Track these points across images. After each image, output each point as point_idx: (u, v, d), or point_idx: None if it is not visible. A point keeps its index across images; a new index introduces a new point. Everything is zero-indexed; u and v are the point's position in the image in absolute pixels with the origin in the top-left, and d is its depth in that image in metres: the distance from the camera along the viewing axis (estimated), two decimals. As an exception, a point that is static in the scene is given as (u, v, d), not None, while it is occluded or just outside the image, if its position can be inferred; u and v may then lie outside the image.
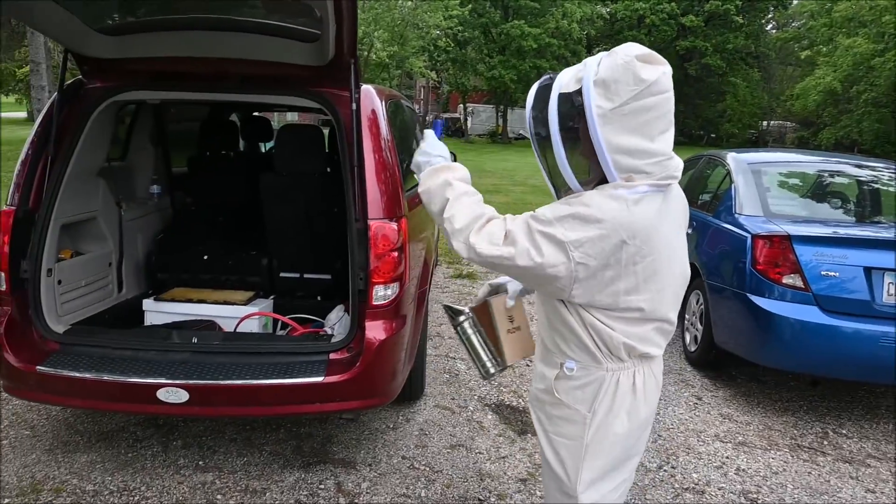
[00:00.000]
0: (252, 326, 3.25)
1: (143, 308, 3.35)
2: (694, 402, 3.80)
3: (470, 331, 1.83)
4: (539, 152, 1.52)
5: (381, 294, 2.69)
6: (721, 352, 4.00)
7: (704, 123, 41.79)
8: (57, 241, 2.94)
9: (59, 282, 2.98)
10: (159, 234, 3.86)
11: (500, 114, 37.06)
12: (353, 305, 2.72)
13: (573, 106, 1.39)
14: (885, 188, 4.58)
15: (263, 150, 5.28)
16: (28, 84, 16.81)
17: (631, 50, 1.37)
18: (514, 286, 1.81)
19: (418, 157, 1.66)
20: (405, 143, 3.86)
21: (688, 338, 4.48)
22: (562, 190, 1.51)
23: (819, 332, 3.42)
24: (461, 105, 38.27)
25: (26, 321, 2.76)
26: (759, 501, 2.85)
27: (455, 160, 1.73)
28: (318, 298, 3.64)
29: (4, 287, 2.72)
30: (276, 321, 3.37)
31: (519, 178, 17.08)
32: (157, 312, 3.32)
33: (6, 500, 2.60)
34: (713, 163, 5.07)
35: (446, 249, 7.57)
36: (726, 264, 3.97)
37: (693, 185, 5.29)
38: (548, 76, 1.49)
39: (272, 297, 3.57)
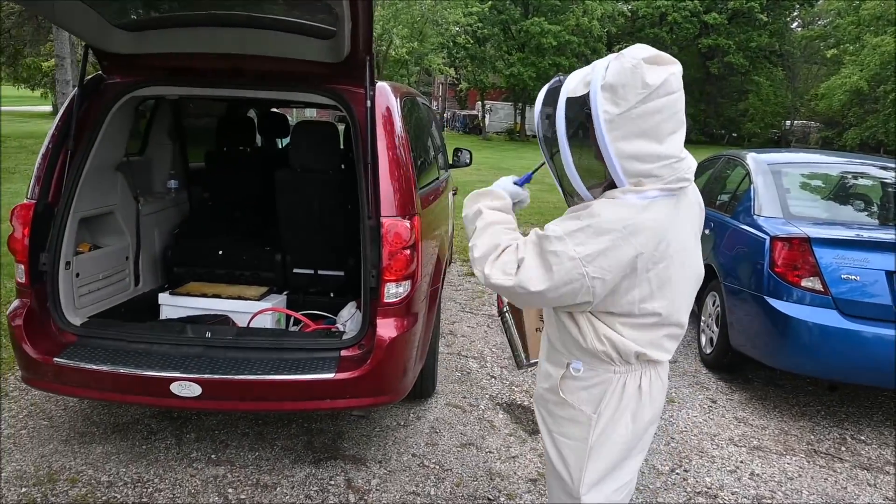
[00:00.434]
0: (265, 322, 3.27)
1: (159, 302, 3.39)
2: (708, 405, 3.76)
3: (509, 321, 1.99)
4: (548, 156, 1.50)
5: (393, 292, 2.69)
6: (737, 354, 3.95)
7: (726, 122, 41.24)
8: (75, 234, 2.98)
9: (77, 275, 3.03)
10: (176, 229, 3.90)
11: (518, 111, 36.92)
12: (364, 303, 2.73)
13: (581, 110, 1.37)
14: (910, 191, 4.48)
15: (280, 147, 5.32)
16: (53, 78, 17.09)
17: (638, 52, 1.34)
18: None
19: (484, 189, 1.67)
20: (420, 140, 3.86)
21: (703, 340, 4.43)
22: (571, 194, 1.50)
23: (838, 336, 3.36)
24: (479, 102, 38.17)
25: (45, 313, 2.81)
26: (773, 507, 2.81)
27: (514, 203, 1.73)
28: (332, 295, 3.66)
29: (24, 279, 2.77)
30: (289, 317, 3.39)
31: (536, 177, 16.96)
32: (173, 306, 3.36)
33: (23, 489, 2.64)
34: (732, 163, 5.00)
35: (461, 247, 7.57)
36: (744, 266, 3.92)
37: (712, 186, 5.23)
38: (557, 78, 1.48)
39: (286, 292, 3.59)
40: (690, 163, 1.44)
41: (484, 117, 37.40)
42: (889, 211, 4.39)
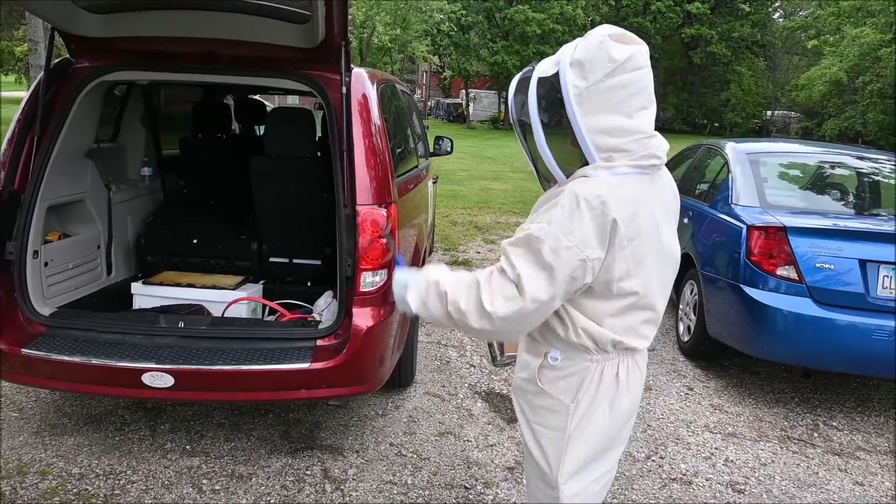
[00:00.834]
0: (241, 311, 3.23)
1: (132, 291, 3.33)
2: (685, 393, 3.79)
3: None
4: (522, 140, 1.50)
5: (370, 280, 2.66)
6: (714, 342, 3.98)
7: (708, 112, 41.52)
8: (44, 222, 2.91)
9: (46, 264, 2.96)
10: (149, 217, 3.82)
11: (502, 100, 36.84)
12: (340, 292, 2.70)
13: (552, 89, 1.38)
14: (885, 180, 4.54)
15: (258, 134, 5.24)
16: (27, 64, 16.70)
17: (605, 30, 1.38)
18: None
19: (399, 304, 1.59)
20: (399, 128, 3.82)
21: (681, 328, 4.46)
22: (547, 178, 1.49)
23: (812, 324, 3.40)
24: (463, 91, 38.04)
25: (12, 303, 2.74)
26: (747, 493, 2.85)
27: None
28: (308, 284, 3.62)
29: (-10, 268, 2.70)
30: (264, 306, 3.35)
31: (519, 165, 16.99)
32: (146, 296, 3.30)
33: (-9, 482, 2.60)
34: (712, 152, 5.02)
35: (442, 236, 7.56)
36: (721, 255, 3.94)
37: (691, 175, 5.25)
38: (529, 67, 1.48)
39: (262, 282, 3.55)
40: (661, 142, 1.45)
41: (468, 106, 37.28)
42: (864, 200, 4.45)
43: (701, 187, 4.90)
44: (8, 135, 2.81)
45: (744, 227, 3.71)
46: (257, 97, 5.94)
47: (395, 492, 2.70)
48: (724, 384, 3.96)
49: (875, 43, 26.04)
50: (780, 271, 3.50)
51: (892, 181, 4.49)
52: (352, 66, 2.90)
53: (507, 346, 1.94)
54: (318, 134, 3.86)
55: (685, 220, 4.62)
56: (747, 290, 3.58)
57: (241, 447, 2.94)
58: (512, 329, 1.42)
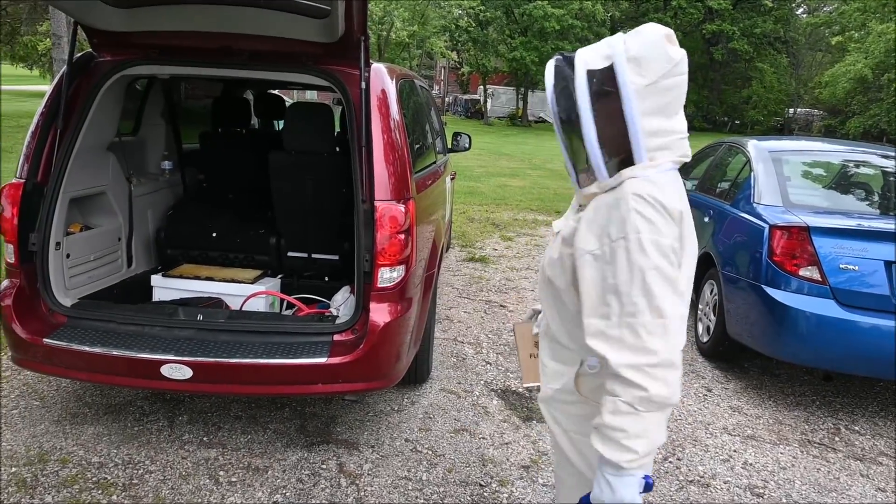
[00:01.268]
0: (258, 305, 3.25)
1: (152, 284, 3.37)
2: (703, 394, 3.75)
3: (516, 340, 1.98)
4: (561, 134, 1.42)
5: (387, 276, 2.66)
6: (734, 343, 3.93)
7: (728, 109, 40.97)
8: (66, 214, 2.95)
9: (68, 255, 3.00)
10: (169, 210, 3.86)
11: (520, 96, 36.66)
12: (358, 287, 2.70)
13: (602, 82, 1.33)
14: (912, 180, 4.44)
15: (276, 129, 5.26)
16: (50, 58, 16.94)
17: (658, 29, 1.35)
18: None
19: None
20: (417, 123, 3.81)
21: (700, 328, 4.41)
22: (583, 172, 1.41)
23: (835, 326, 3.34)
24: (481, 87, 37.90)
25: (34, 294, 2.78)
26: (766, 496, 2.81)
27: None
28: (326, 279, 3.63)
29: (13, 259, 2.74)
30: (282, 301, 3.37)
31: (537, 162, 16.93)
32: (166, 288, 3.34)
33: (13, 469, 2.64)
34: (733, 150, 4.95)
35: (459, 233, 7.54)
36: (742, 254, 3.89)
37: (712, 173, 5.18)
38: (560, 55, 1.43)
39: (280, 276, 3.56)
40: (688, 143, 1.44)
41: (486, 102, 37.15)
42: (889, 200, 4.35)
43: (722, 186, 4.83)
44: (31, 128, 2.85)
45: (766, 226, 3.65)
46: (276, 92, 5.97)
47: (410, 487, 2.70)
48: (744, 386, 3.91)
49: (902, 39, 25.49)
50: (803, 272, 3.44)
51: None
52: (371, 61, 2.89)
53: (525, 374, 1.90)
54: (337, 129, 3.85)
55: (706, 219, 4.56)
56: (769, 290, 3.53)
57: (257, 440, 2.96)
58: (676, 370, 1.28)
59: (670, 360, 1.23)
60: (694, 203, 5.04)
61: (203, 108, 4.66)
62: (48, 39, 18.69)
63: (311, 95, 15.46)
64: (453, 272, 5.96)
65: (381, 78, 2.94)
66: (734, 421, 3.46)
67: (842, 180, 4.52)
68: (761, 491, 2.84)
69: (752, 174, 4.21)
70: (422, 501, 2.62)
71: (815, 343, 3.42)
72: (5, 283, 2.78)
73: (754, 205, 3.94)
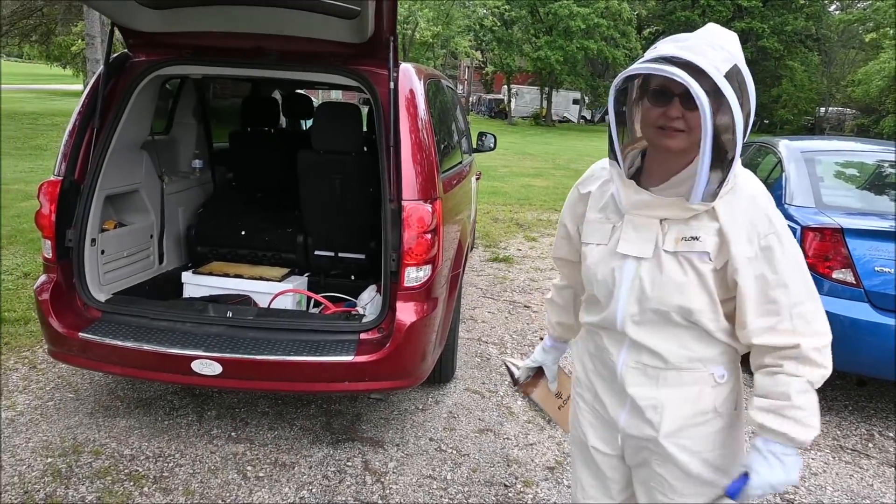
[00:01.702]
0: (286, 303, 3.29)
1: (182, 280, 3.43)
2: (732, 398, 3.69)
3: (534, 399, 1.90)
4: (710, 135, 1.21)
5: (413, 276, 2.67)
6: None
7: (758, 109, 39.81)
8: (101, 211, 3.02)
9: (103, 251, 3.07)
10: (199, 208, 3.92)
11: (544, 96, 36.48)
12: (384, 286, 2.72)
13: (737, 83, 1.24)
14: (950, 181, 4.32)
15: (304, 128, 5.32)
16: (84, 58, 17.33)
17: (724, 29, 1.32)
18: (550, 370, 1.80)
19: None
20: (444, 123, 3.82)
21: (728, 331, 4.34)
22: (719, 177, 1.26)
23: (869, 330, 3.26)
24: (505, 86, 37.81)
25: (70, 289, 2.85)
26: (797, 503, 2.76)
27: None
28: (352, 278, 3.66)
29: (50, 255, 2.81)
30: (309, 299, 3.40)
31: (561, 162, 16.82)
32: (195, 285, 3.39)
33: (49, 460, 2.71)
34: (764, 150, 4.87)
35: (483, 233, 7.54)
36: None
37: (741, 173, 5.09)
38: (675, 69, 1.21)
39: (307, 274, 3.60)
40: None
41: (510, 101, 37.06)
42: (927, 202, 4.24)
43: (752, 186, 4.75)
44: (69, 127, 2.92)
45: (798, 228, 3.58)
46: (302, 92, 6.03)
47: (435, 486, 2.70)
48: (773, 390, 3.84)
49: (940, 37, 24.83)
50: (836, 274, 3.37)
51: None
52: (399, 61, 2.91)
53: (564, 424, 1.78)
54: (364, 129, 3.88)
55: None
56: (800, 293, 3.46)
57: (284, 436, 3.00)
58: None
59: (830, 336, 1.32)
60: (723, 204, 4.96)
61: (232, 107, 4.73)
62: (81, 41, 19.12)
63: (335, 95, 15.58)
64: (477, 272, 5.95)
65: (410, 78, 2.95)
66: (763, 425, 3.40)
67: (876, 181, 4.41)
68: (792, 497, 2.79)
69: (783, 175, 4.13)
70: (446, 500, 2.63)
71: (849, 347, 3.34)
72: (42, 278, 2.85)
73: (786, 206, 3.87)
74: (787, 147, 4.42)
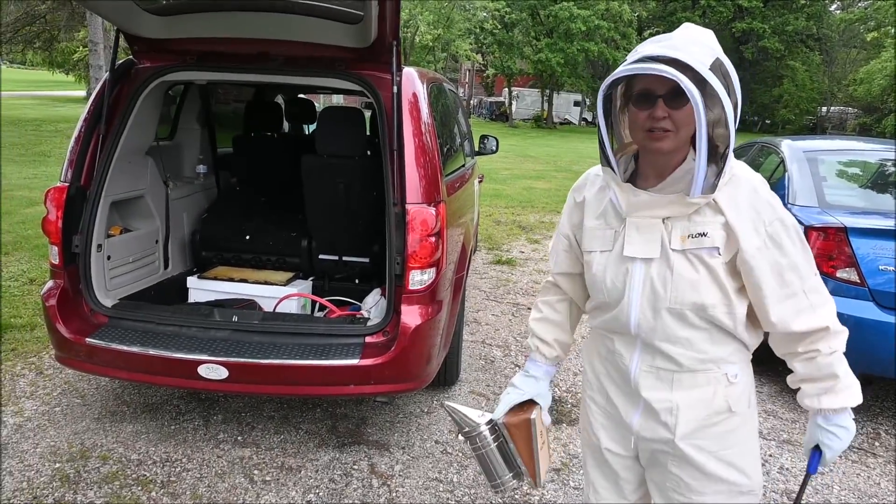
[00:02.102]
0: (291, 307, 3.30)
1: (187, 285, 3.44)
2: (737, 398, 3.69)
3: (489, 444, 1.56)
4: (705, 130, 1.22)
5: (418, 279, 2.68)
6: (768, 347, 3.85)
7: (759, 109, 40.27)
8: (107, 217, 3.04)
9: (109, 257, 3.08)
10: (204, 213, 3.94)
11: (545, 98, 36.52)
12: (389, 290, 2.73)
13: (721, 76, 1.24)
14: (953, 179, 4.32)
15: (307, 133, 5.33)
16: (87, 64, 17.40)
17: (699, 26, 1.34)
18: (546, 399, 1.61)
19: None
20: (446, 127, 3.83)
21: (733, 331, 4.34)
22: (713, 171, 1.27)
23: (874, 329, 3.26)
24: (506, 89, 37.85)
25: (77, 294, 2.87)
26: (803, 502, 2.75)
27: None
28: (357, 281, 3.67)
29: (57, 261, 2.83)
30: (314, 303, 3.41)
31: (562, 164, 16.83)
32: (201, 290, 3.41)
33: (57, 465, 2.72)
34: (766, 150, 4.87)
35: (486, 236, 7.55)
36: (777, 257, 3.82)
37: (744, 174, 5.10)
38: (663, 65, 1.21)
39: (311, 278, 3.61)
40: None
41: (511, 104, 37.10)
42: (930, 201, 4.24)
43: (755, 187, 4.75)
44: (75, 133, 2.94)
45: (802, 227, 3.58)
46: (304, 96, 6.04)
47: (441, 489, 2.71)
48: (778, 390, 3.84)
49: (941, 35, 24.82)
50: (841, 273, 3.37)
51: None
52: (402, 64, 2.92)
53: (543, 470, 1.55)
54: (368, 132, 3.89)
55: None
56: (804, 293, 3.46)
57: (290, 440, 3.00)
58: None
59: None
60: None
61: (235, 112, 4.75)
62: (84, 47, 19.21)
63: (337, 99, 15.61)
64: (480, 275, 5.96)
65: (413, 81, 2.97)
66: (769, 425, 3.40)
67: (879, 180, 4.41)
68: (798, 497, 2.79)
69: (786, 174, 4.14)
70: (453, 502, 2.63)
71: (854, 346, 3.30)
72: (49, 283, 2.87)
73: (789, 206, 3.87)
74: (789, 147, 4.42)
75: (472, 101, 42.52)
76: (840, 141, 5.74)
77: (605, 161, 1.35)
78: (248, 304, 3.29)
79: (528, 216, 9.15)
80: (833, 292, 3.37)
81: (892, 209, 3.98)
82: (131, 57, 3.10)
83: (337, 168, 3.40)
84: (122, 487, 2.60)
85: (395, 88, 2.73)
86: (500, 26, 32.06)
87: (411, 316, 2.66)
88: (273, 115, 4.44)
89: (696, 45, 1.25)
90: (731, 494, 1.45)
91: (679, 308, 1.34)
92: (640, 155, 1.40)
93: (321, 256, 3.66)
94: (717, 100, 1.20)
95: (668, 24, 39.16)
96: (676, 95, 1.22)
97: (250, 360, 2.61)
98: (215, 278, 3.45)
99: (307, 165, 3.44)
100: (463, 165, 4.12)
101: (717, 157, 1.25)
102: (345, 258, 3.63)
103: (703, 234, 1.31)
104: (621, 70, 1.26)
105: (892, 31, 28.62)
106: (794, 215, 3.71)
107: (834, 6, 41.73)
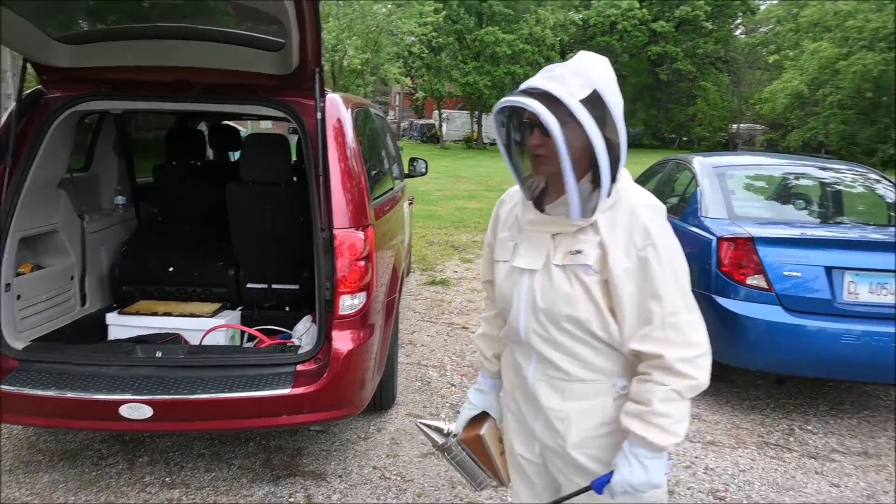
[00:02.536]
0: (219, 339, 3.21)
1: (107, 322, 3.29)
2: (664, 404, 3.84)
3: (460, 452, 1.75)
4: (569, 166, 1.31)
5: (349, 304, 2.67)
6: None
7: (676, 127, 42.52)
8: (16, 255, 2.88)
9: (19, 297, 2.92)
10: (123, 246, 3.79)
11: (474, 120, 37.21)
12: (319, 316, 2.70)
13: (595, 109, 1.32)
14: (847, 189, 4.69)
15: (232, 160, 5.24)
16: (-7, 93, 16.43)
17: (593, 54, 1.41)
18: (498, 409, 1.71)
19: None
20: (374, 151, 3.86)
21: (658, 340, 4.52)
22: (586, 198, 1.37)
23: (783, 331, 3.48)
24: (436, 111, 38.35)
25: (-17, 338, 2.69)
26: (727, 499, 2.89)
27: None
28: (287, 309, 3.61)
29: (-40, 303, 2.65)
30: (243, 333, 3.33)
31: (493, 184, 17.14)
32: (122, 326, 3.26)
33: (-37, 524, 2.53)
34: (680, 166, 5.15)
35: (419, 257, 7.58)
36: (693, 267, 3.97)
37: (661, 189, 5.36)
38: (529, 98, 1.32)
39: (239, 308, 3.53)
40: None
41: (441, 126, 37.57)
42: (828, 209, 4.59)
43: (671, 201, 5.00)
44: (-23, 167, 2.78)
45: (713, 238, 3.80)
46: (230, 123, 5.94)
47: (380, 515, 2.68)
48: (702, 394, 4.00)
49: (833, 56, 27.00)
50: (750, 280, 3.59)
51: (855, 190, 4.65)
52: (326, 90, 2.93)
53: (506, 475, 1.71)
54: (294, 159, 3.86)
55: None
56: (719, 300, 3.67)
57: (221, 477, 2.90)
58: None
59: (708, 349, 1.36)
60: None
61: (155, 140, 4.61)
62: (-10, 75, 18.13)
63: (265, 125, 15.39)
64: (415, 296, 5.98)
65: (337, 107, 2.98)
66: (694, 428, 3.55)
67: (783, 192, 4.74)
68: (723, 494, 2.92)
69: (698, 189, 4.38)
70: (392, 528, 2.61)
71: (766, 348, 3.55)
72: (-49, 328, 2.68)
73: (702, 218, 4.10)
74: (700, 163, 4.69)
75: (402, 124, 42.80)
76: (748, 156, 6.14)
77: (517, 181, 1.48)
78: (173, 339, 3.17)
79: (461, 236, 9.26)
80: (744, 298, 3.62)
81: (795, 219, 4.29)
82: (40, 87, 2.97)
83: (263, 195, 3.35)
84: (37, 541, 2.44)
85: (318, 115, 2.74)
86: (427, 51, 32.56)
87: (343, 341, 2.65)
88: (195, 142, 4.34)
89: (576, 76, 1.33)
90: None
91: (557, 320, 1.41)
92: None
93: (249, 285, 3.59)
94: (583, 131, 1.30)
95: (588, 47, 40.55)
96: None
97: (176, 397, 2.52)
98: (137, 313, 3.32)
99: (232, 193, 3.38)
100: (392, 188, 4.15)
101: (592, 182, 1.36)
102: (274, 286, 3.57)
103: (580, 252, 1.39)
104: (501, 101, 1.38)
105: (791, 53, 30.91)
106: (707, 227, 3.95)
107: (739, 31, 44.75)
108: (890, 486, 3.06)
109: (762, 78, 40.25)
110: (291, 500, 2.75)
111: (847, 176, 4.75)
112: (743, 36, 44.12)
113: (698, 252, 3.95)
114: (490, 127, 40.25)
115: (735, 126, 42.66)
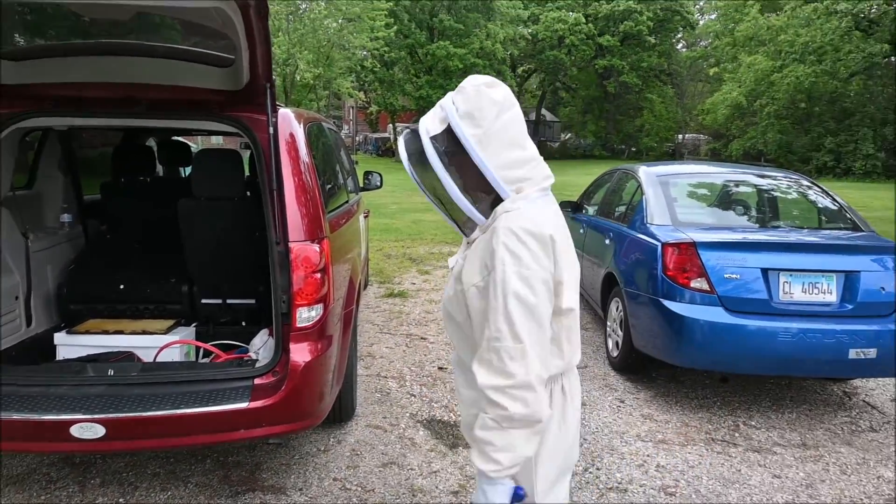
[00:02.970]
0: (174, 356, 3.17)
1: (55, 342, 3.20)
2: (617, 405, 3.97)
3: None
4: (431, 197, 1.54)
5: (305, 316, 2.69)
6: (641, 355, 4.19)
7: (625, 138, 43.77)
8: None
9: (-40, 319, 2.82)
10: (71, 265, 3.70)
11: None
12: (276, 329, 2.71)
13: (446, 143, 1.47)
14: (782, 195, 4.96)
15: (183, 175, 5.17)
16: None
17: (476, 80, 1.49)
18: None
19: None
20: (328, 165, 3.88)
21: (610, 344, 4.67)
22: (463, 223, 1.55)
23: (725, 331, 3.65)
24: (391, 125, 38.43)
25: (-78, 363, 2.59)
26: (677, 495, 3.00)
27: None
28: (243, 324, 3.58)
29: None
30: (199, 349, 3.30)
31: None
32: (71, 346, 3.18)
33: None
34: (627, 176, 5.34)
35: (377, 269, 7.59)
36: (641, 272, 4.19)
37: (609, 198, 5.55)
38: (407, 130, 1.56)
39: (194, 324, 3.49)
40: (546, 165, 1.58)
41: (396, 140, 37.63)
42: (765, 214, 4.84)
43: (619, 209, 5.18)
44: (-86, 186, 2.69)
45: (659, 244, 3.96)
46: (181, 138, 5.86)
47: (341, 526, 2.69)
48: (653, 394, 4.16)
49: (768, 69, 28.37)
50: (694, 283, 3.76)
51: (789, 196, 4.92)
52: (278, 105, 2.95)
53: None
54: (247, 173, 3.85)
55: (606, 241, 4.88)
56: (666, 303, 3.82)
57: (178, 495, 2.86)
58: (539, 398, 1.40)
59: (528, 381, 1.35)
60: (595, 227, 5.38)
61: (103, 156, 4.52)
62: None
63: (216, 140, 15.14)
64: (373, 309, 5.99)
65: (289, 122, 3.00)
66: (646, 428, 3.68)
67: (723, 199, 4.97)
68: (673, 490, 3.04)
69: (643, 198, 4.56)
70: (354, 538, 2.62)
71: (710, 348, 3.72)
72: None
73: (647, 225, 4.27)
74: (645, 173, 4.88)
75: (357, 138, 42.70)
76: (691, 165, 6.40)
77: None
78: (126, 357, 3.11)
79: (418, 248, 9.31)
80: (689, 301, 3.79)
81: (735, 224, 4.51)
82: (-21, 103, 2.90)
83: (216, 210, 3.34)
84: (-17, 571, 2.36)
85: (271, 129, 2.75)
86: (379, 65, 32.66)
87: (300, 353, 2.66)
88: (144, 158, 4.28)
89: (440, 108, 1.51)
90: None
91: (449, 318, 1.61)
92: None
93: (204, 301, 3.55)
94: (430, 165, 1.46)
95: (538, 61, 41.77)
96: None
97: (129, 415, 2.47)
98: (87, 332, 3.24)
99: (185, 209, 3.35)
100: (347, 202, 4.17)
101: (459, 215, 1.52)
102: (229, 301, 3.55)
103: (457, 262, 1.60)
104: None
105: (729, 66, 32.26)
106: (652, 233, 4.11)
107: (680, 45, 46.47)
108: (826, 475, 3.23)
109: (704, 90, 41.91)
110: (251, 515, 2.74)
111: (782, 183, 5.02)
112: (684, 50, 45.90)
113: (645, 258, 4.12)
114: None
115: (681, 136, 44.22)
